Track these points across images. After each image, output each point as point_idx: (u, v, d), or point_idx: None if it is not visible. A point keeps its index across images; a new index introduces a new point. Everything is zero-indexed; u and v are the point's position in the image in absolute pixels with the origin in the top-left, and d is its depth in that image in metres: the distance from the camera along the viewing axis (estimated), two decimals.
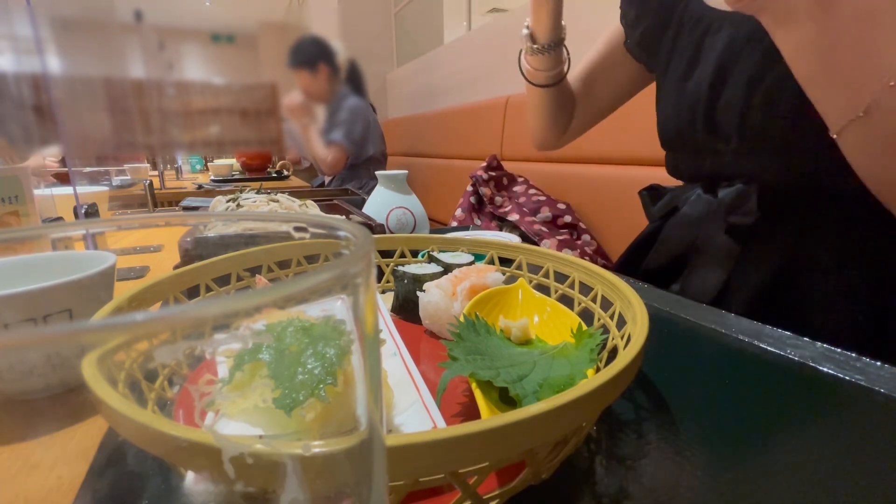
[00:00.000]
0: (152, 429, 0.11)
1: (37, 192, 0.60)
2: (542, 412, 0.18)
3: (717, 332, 0.41)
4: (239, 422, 0.11)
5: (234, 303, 0.07)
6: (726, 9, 0.45)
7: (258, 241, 0.24)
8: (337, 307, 0.10)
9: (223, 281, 0.33)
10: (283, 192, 0.72)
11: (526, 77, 0.72)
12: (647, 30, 0.64)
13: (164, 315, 0.07)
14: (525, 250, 0.47)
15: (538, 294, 0.41)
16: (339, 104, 1.97)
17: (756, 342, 0.38)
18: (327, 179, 2.15)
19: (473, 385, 0.27)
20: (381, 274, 0.50)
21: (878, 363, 0.33)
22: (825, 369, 0.34)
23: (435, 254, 0.48)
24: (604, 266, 0.40)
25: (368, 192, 0.86)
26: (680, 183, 0.66)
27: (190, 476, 0.13)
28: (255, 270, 0.34)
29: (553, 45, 0.66)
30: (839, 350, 0.36)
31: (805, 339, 0.38)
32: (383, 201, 0.76)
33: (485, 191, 1.33)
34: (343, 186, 1.77)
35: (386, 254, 0.51)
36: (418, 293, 0.41)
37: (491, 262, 0.49)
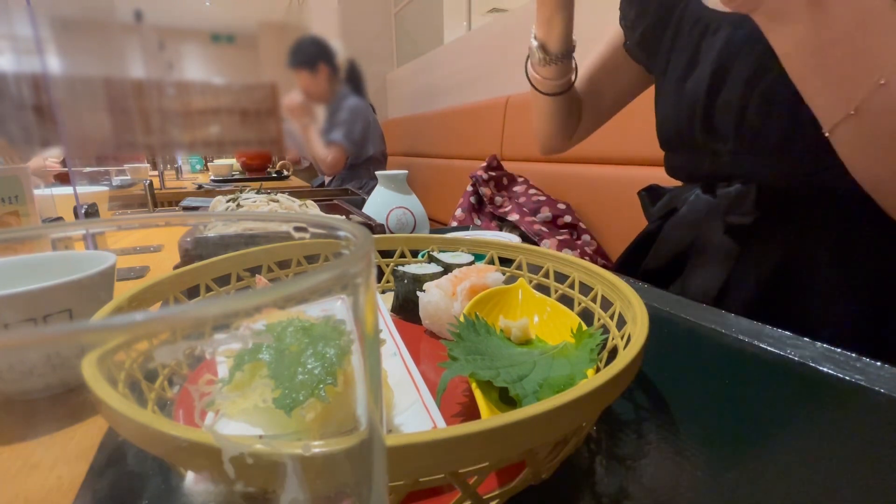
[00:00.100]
0: (152, 429, 0.11)
1: (37, 192, 0.60)
2: (542, 412, 0.18)
3: (717, 332, 0.41)
4: (239, 422, 0.11)
5: (234, 303, 0.07)
6: (725, 9, 0.45)
7: (258, 241, 0.24)
8: (337, 307, 0.10)
9: (223, 281, 0.33)
10: (283, 192, 0.72)
11: (535, 86, 0.72)
12: (646, 30, 0.64)
13: (164, 315, 0.07)
14: (525, 250, 0.47)
15: (538, 294, 0.41)
16: (339, 104, 1.97)
17: (756, 342, 0.38)
18: (327, 179, 2.15)
19: (473, 385, 0.27)
20: (381, 274, 0.50)
21: (878, 363, 0.33)
22: (825, 369, 0.34)
23: (435, 254, 0.48)
24: (604, 266, 0.40)
25: (368, 192, 0.86)
26: (679, 183, 0.66)
27: (190, 476, 0.13)
28: (255, 270, 0.34)
29: (566, 55, 0.66)
30: (839, 350, 0.36)
31: (805, 339, 0.38)
32: (383, 201, 0.76)
33: (485, 191, 1.33)
34: (343, 186, 1.77)
35: (386, 254, 0.51)
36: (418, 293, 0.41)
37: (491, 262, 0.49)
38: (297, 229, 0.13)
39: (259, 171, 2.47)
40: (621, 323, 0.32)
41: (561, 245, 1.11)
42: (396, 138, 2.52)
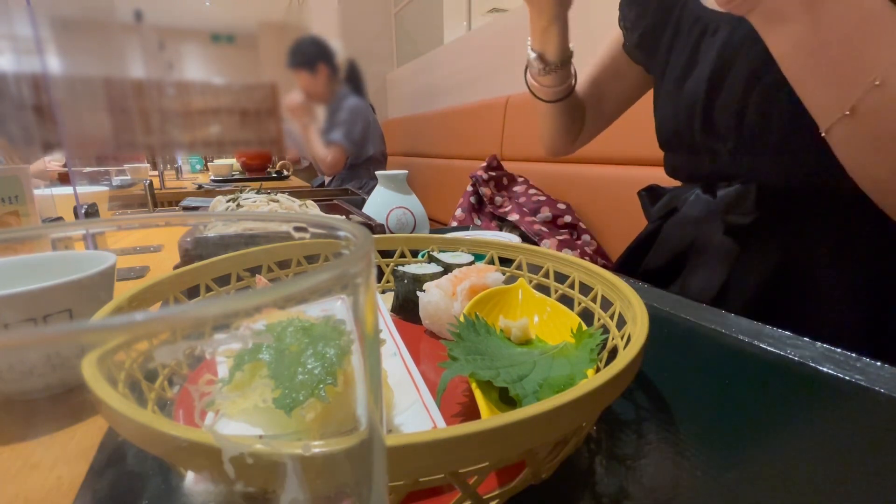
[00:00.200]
0: (152, 429, 0.11)
1: (37, 192, 0.60)
2: (542, 412, 0.18)
3: (717, 332, 0.41)
4: (239, 422, 0.11)
5: (234, 303, 0.07)
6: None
7: (258, 241, 0.24)
8: (337, 307, 0.10)
9: (223, 281, 0.33)
10: (283, 192, 0.72)
11: (535, 94, 0.72)
12: (645, 31, 0.64)
13: (164, 315, 0.07)
14: (525, 250, 0.47)
15: (538, 294, 0.41)
16: (339, 104, 1.97)
17: (756, 342, 0.38)
18: (327, 179, 2.15)
19: (473, 385, 0.27)
20: (381, 274, 0.50)
21: (878, 363, 0.33)
22: (825, 369, 0.34)
23: (435, 254, 0.48)
24: (604, 266, 0.40)
25: (368, 192, 0.86)
26: (679, 183, 0.66)
27: (190, 476, 0.13)
28: (255, 270, 0.34)
29: (564, 63, 0.67)
30: (839, 350, 0.36)
31: (805, 339, 0.38)
32: (383, 201, 0.76)
33: (485, 191, 1.33)
34: (343, 186, 1.77)
35: (386, 254, 0.51)
36: (418, 293, 0.41)
37: (491, 262, 0.49)
38: (297, 229, 0.13)
39: (259, 171, 2.47)
40: (621, 323, 0.32)
41: (561, 245, 1.11)
42: (396, 138, 2.52)
